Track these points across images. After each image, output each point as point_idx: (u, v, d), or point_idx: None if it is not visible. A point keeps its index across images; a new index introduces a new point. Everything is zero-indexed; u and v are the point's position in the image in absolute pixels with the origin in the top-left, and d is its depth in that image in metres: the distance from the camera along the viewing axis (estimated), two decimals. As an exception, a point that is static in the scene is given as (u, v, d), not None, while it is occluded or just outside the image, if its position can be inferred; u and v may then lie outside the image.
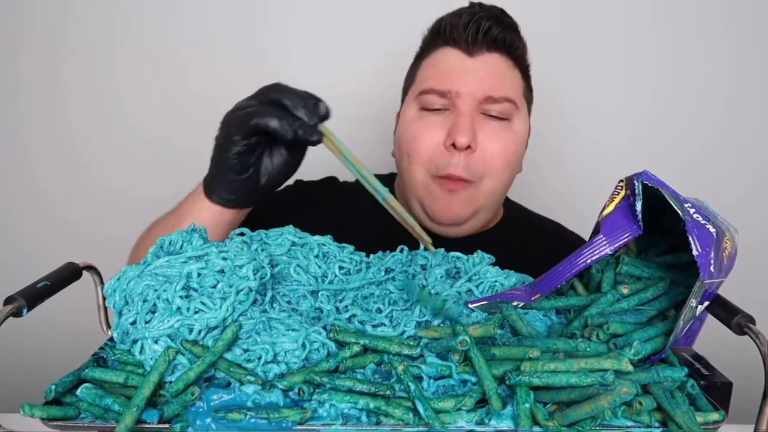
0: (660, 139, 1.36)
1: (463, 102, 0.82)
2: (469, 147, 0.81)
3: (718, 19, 1.31)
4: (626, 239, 0.61)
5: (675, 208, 0.56)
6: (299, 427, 0.50)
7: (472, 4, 0.87)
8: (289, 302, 0.66)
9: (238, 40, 1.33)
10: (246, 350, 0.56)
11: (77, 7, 1.31)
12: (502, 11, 0.86)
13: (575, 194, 1.34)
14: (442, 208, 0.84)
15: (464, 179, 0.83)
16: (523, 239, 0.94)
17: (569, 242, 0.95)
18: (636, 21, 1.32)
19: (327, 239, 0.76)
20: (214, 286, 0.59)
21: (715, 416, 0.52)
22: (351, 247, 0.77)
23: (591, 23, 1.32)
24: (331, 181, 1.03)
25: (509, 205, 1.02)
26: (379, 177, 0.91)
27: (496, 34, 0.83)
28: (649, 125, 1.36)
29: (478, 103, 0.82)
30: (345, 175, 1.04)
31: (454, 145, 0.81)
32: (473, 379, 0.54)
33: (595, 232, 0.65)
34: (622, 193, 0.63)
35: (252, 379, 0.53)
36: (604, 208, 0.64)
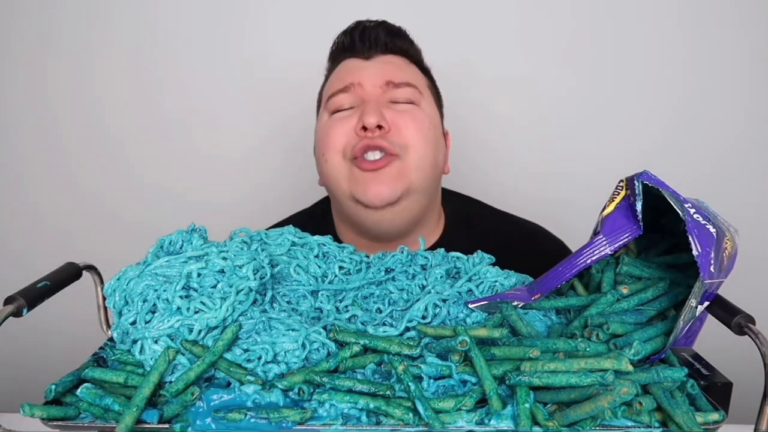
0: (659, 139, 1.36)
1: (367, 91, 0.86)
2: (380, 127, 0.82)
3: (716, 17, 1.31)
4: (626, 239, 0.61)
5: (675, 208, 0.56)
6: (299, 427, 0.50)
7: (358, 21, 0.93)
8: (289, 302, 0.66)
9: (230, 42, 1.33)
10: (246, 350, 0.56)
11: (66, 9, 1.31)
12: (386, 22, 0.92)
13: (572, 195, 1.35)
14: (371, 189, 0.83)
15: (383, 148, 0.83)
16: (468, 244, 0.87)
17: (520, 237, 0.96)
18: (632, 20, 1.32)
19: (327, 239, 0.76)
20: (214, 286, 0.59)
21: (715, 416, 0.52)
22: (351, 247, 0.76)
23: (586, 23, 1.32)
24: None
25: (451, 210, 0.99)
26: (304, 211, 0.96)
27: (385, 39, 0.90)
28: (648, 126, 1.36)
29: (382, 91, 0.86)
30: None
31: (365, 128, 0.83)
32: (473, 379, 0.54)
33: (595, 232, 0.65)
34: (623, 193, 0.63)
35: (252, 379, 0.53)
36: (604, 208, 0.64)
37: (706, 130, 1.35)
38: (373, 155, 0.83)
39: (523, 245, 0.91)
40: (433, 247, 0.89)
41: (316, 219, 0.99)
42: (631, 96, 1.35)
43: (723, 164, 1.35)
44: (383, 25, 0.91)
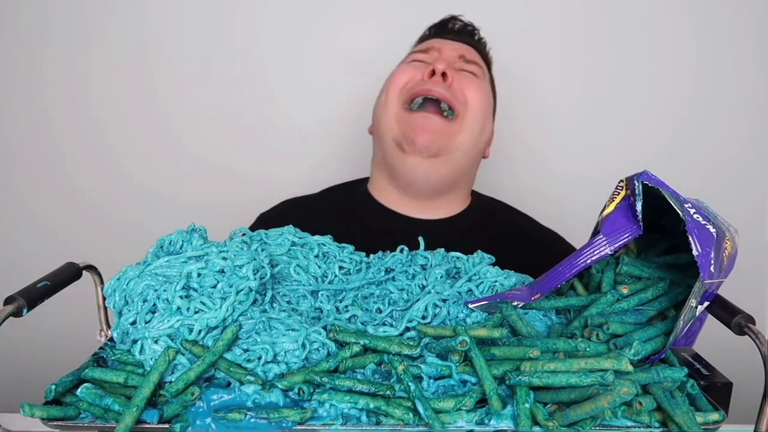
0: (659, 140, 1.36)
1: (441, 54, 0.97)
2: (445, 75, 0.90)
3: (718, 18, 1.31)
4: (626, 239, 0.61)
5: (675, 208, 0.56)
6: (299, 427, 0.51)
7: (451, 15, 1.06)
8: (289, 302, 0.66)
9: (230, 46, 1.33)
10: (246, 350, 0.56)
11: (60, 10, 1.31)
12: (472, 23, 1.07)
13: (569, 196, 1.35)
14: (419, 128, 0.88)
15: (443, 99, 0.89)
16: (488, 230, 0.98)
17: (535, 239, 0.99)
18: (639, 22, 1.32)
19: (327, 239, 0.76)
20: (214, 286, 0.59)
21: (715, 416, 0.52)
22: (351, 247, 0.77)
23: (593, 23, 1.32)
24: (287, 205, 1.05)
25: (477, 197, 1.05)
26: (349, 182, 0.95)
27: (466, 29, 1.05)
28: (648, 126, 1.36)
29: (454, 59, 0.96)
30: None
31: (432, 74, 0.91)
32: (473, 379, 0.54)
33: (595, 232, 0.65)
34: (623, 193, 0.63)
35: (252, 379, 0.53)
36: (604, 208, 0.64)
37: (707, 130, 1.35)
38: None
39: (539, 246, 0.96)
40: (453, 219, 0.96)
41: (353, 187, 1.04)
42: (632, 95, 1.35)
43: (724, 164, 1.35)
44: (468, 24, 1.06)
